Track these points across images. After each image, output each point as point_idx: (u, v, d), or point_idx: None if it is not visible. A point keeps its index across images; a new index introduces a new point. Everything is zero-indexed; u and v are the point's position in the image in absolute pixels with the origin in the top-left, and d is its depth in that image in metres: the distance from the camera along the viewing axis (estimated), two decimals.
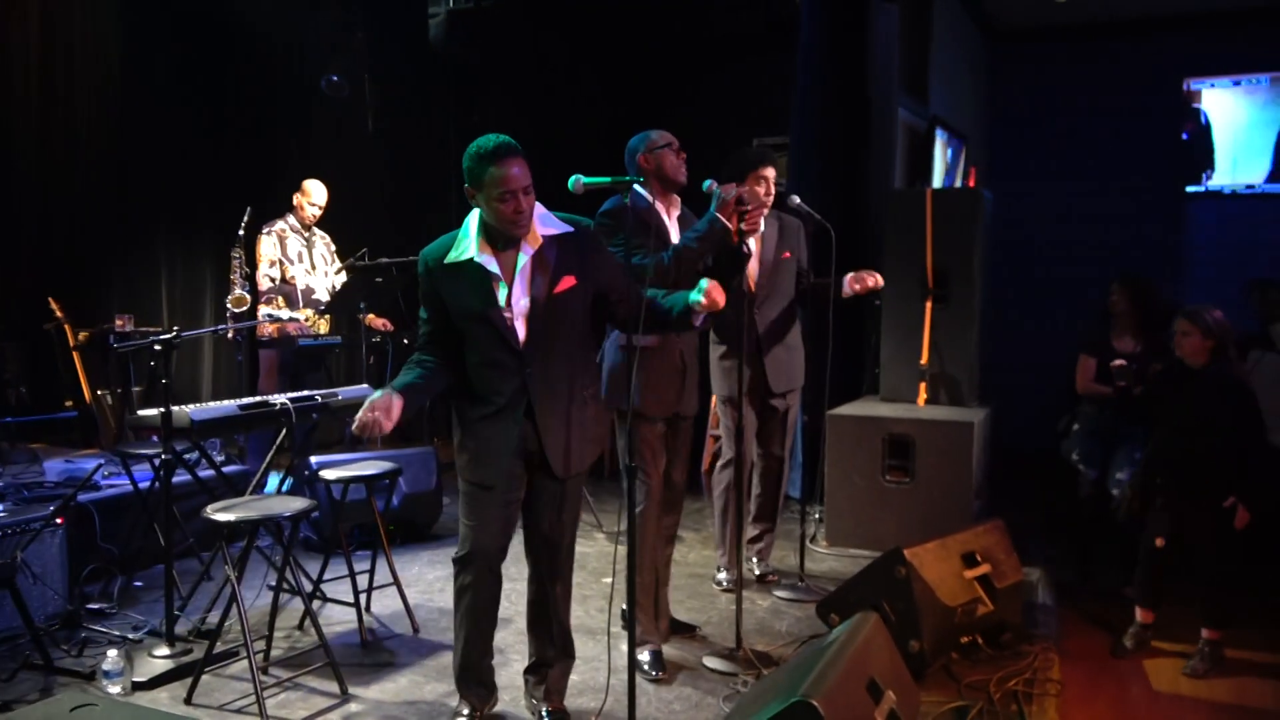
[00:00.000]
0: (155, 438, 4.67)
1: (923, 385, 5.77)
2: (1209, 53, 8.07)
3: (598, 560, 5.28)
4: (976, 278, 5.74)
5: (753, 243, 4.49)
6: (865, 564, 4.04)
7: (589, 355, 3.34)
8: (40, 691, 3.60)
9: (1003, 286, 7.74)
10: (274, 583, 3.99)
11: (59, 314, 5.95)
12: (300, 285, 6.01)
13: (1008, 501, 5.79)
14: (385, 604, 4.49)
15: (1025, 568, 4.38)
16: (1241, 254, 7.70)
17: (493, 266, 3.07)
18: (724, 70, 7.61)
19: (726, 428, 4.67)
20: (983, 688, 3.65)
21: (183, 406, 4.04)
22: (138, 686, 3.61)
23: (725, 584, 4.79)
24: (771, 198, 4.56)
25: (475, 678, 3.30)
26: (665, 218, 3.87)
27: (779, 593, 4.74)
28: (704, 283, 3.08)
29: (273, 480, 4.94)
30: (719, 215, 3.68)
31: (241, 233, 5.96)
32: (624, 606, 3.90)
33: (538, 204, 3.12)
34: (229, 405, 4.21)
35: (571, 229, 3.17)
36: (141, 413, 4.23)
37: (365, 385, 4.86)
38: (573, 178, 3.33)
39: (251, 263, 5.99)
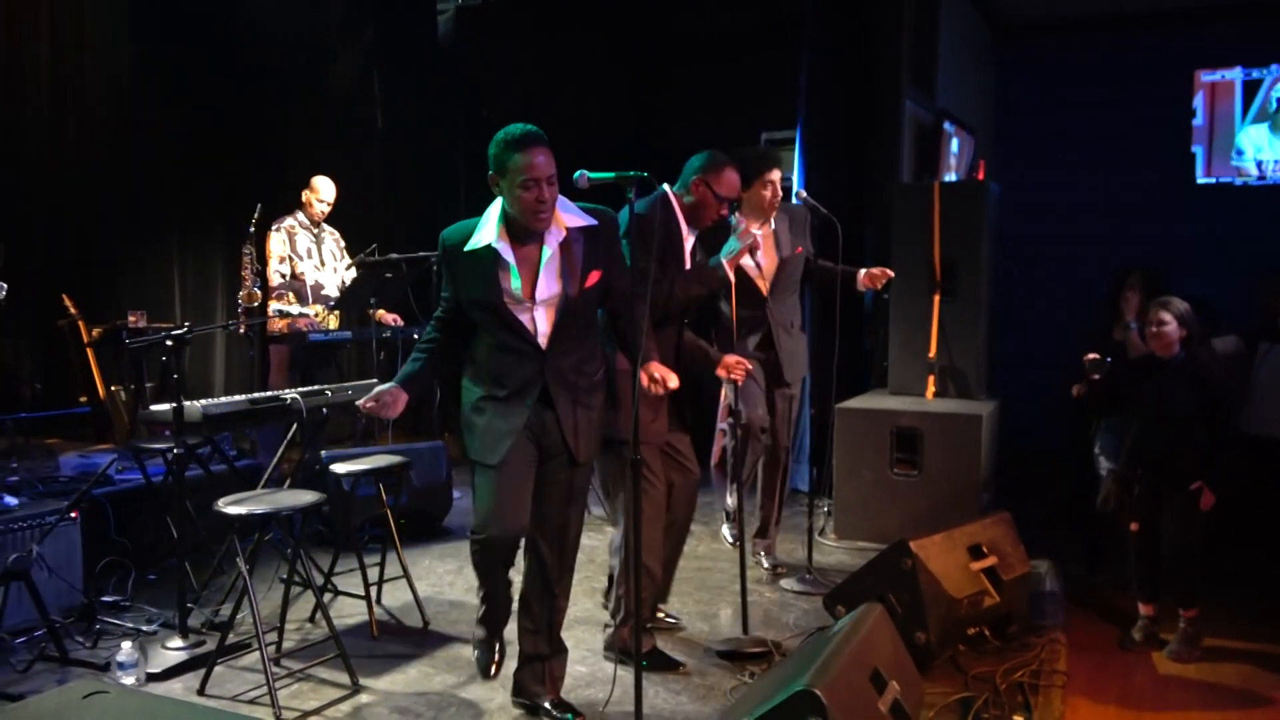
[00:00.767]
0: (168, 432, 4.72)
1: (931, 378, 5.78)
2: (1218, 44, 8.03)
3: (605, 553, 5.30)
4: (984, 271, 5.75)
5: (746, 260, 4.46)
6: (873, 557, 4.06)
7: (596, 341, 3.35)
8: (56, 683, 3.64)
9: (1011, 280, 7.73)
10: (285, 576, 4.03)
11: (72, 311, 6.01)
12: (310, 281, 6.05)
13: (1015, 494, 5.79)
14: (396, 597, 4.52)
15: (1032, 560, 4.39)
16: (1251, 246, 7.67)
17: (509, 256, 3.08)
18: (732, 65, 7.62)
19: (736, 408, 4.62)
20: (989, 679, 3.66)
21: (194, 401, 4.08)
22: (151, 678, 3.65)
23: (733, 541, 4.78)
24: (779, 198, 4.56)
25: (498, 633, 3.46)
26: (685, 236, 3.82)
27: (786, 585, 4.76)
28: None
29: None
30: (724, 263, 3.64)
31: (252, 229, 5.99)
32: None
33: (560, 194, 3.13)
34: (240, 400, 4.25)
35: (595, 221, 3.18)
36: (154, 408, 4.27)
37: (376, 380, 4.89)
38: (577, 173, 3.35)
39: (262, 259, 6.03)
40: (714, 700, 3.54)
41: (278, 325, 5.98)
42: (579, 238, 3.13)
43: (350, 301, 6.31)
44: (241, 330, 6.01)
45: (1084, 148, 8.39)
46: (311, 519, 4.92)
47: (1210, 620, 4.12)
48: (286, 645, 3.97)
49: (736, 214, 3.62)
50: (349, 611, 4.41)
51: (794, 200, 4.72)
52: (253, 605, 3.57)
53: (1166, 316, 4.10)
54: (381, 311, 6.25)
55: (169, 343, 3.92)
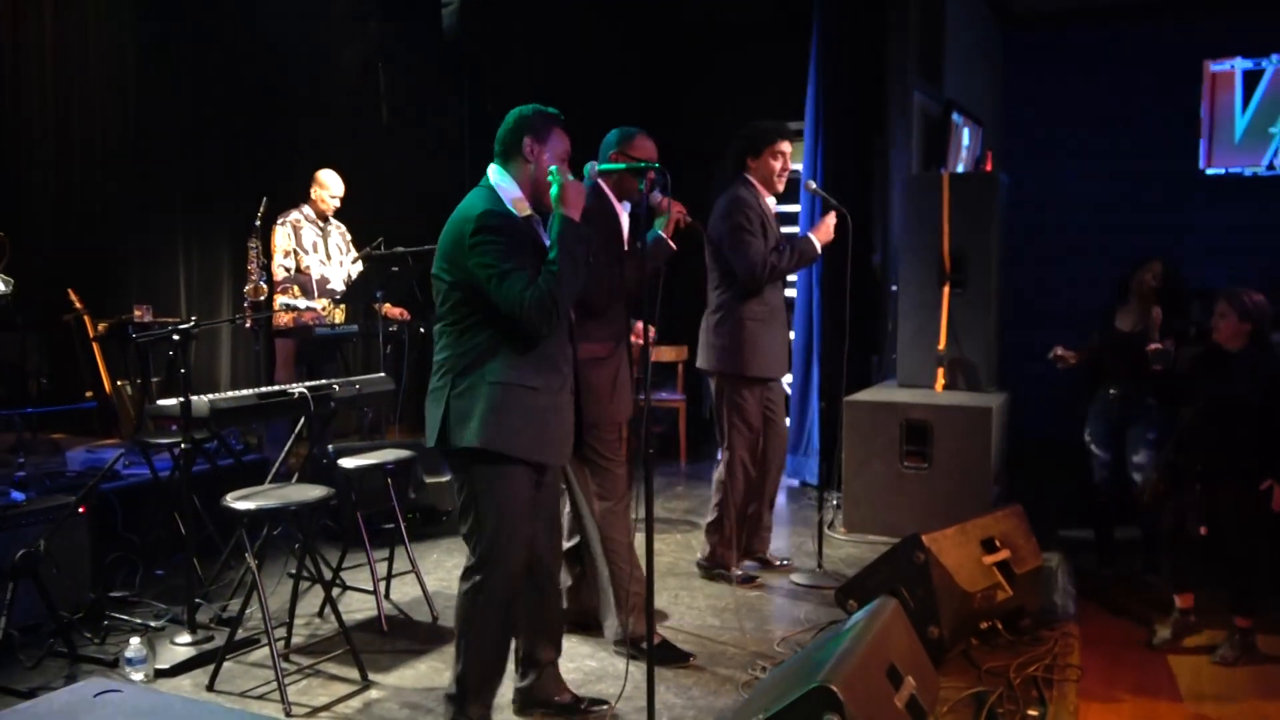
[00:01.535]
0: (174, 427, 4.70)
1: (940, 371, 5.75)
2: (1229, 34, 7.97)
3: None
4: (994, 262, 5.72)
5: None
6: (883, 550, 4.04)
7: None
8: (65, 679, 3.63)
9: (1020, 271, 7.69)
10: (294, 571, 4.01)
11: (78, 305, 5.99)
12: (315, 275, 6.02)
13: (1027, 487, 5.77)
14: (404, 591, 4.51)
15: (1045, 553, 4.36)
16: (1261, 238, 7.63)
17: (539, 229, 3.06)
18: (738, 56, 7.60)
19: (739, 408, 4.61)
20: (1002, 673, 3.64)
21: (202, 396, 4.05)
22: (160, 674, 3.64)
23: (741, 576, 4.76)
24: (788, 170, 4.58)
25: (489, 697, 3.11)
26: (620, 217, 3.81)
27: (797, 579, 4.74)
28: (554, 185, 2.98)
29: None
30: (663, 236, 3.61)
31: (258, 223, 5.97)
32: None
33: None
34: (248, 395, 4.23)
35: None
36: (161, 402, 4.25)
37: (382, 374, 4.86)
38: (587, 165, 3.33)
39: (268, 253, 6.00)
40: (726, 695, 3.52)
41: (284, 319, 5.96)
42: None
43: (356, 295, 6.29)
44: (248, 325, 5.99)
45: (1092, 138, 8.34)
46: (320, 514, 4.90)
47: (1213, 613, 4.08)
48: (295, 640, 3.96)
49: (655, 192, 3.56)
50: (358, 606, 4.40)
51: (803, 191, 4.70)
52: (261, 600, 3.55)
53: (1225, 308, 4.05)
54: (387, 306, 6.23)
55: (175, 337, 3.90)
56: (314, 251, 6.03)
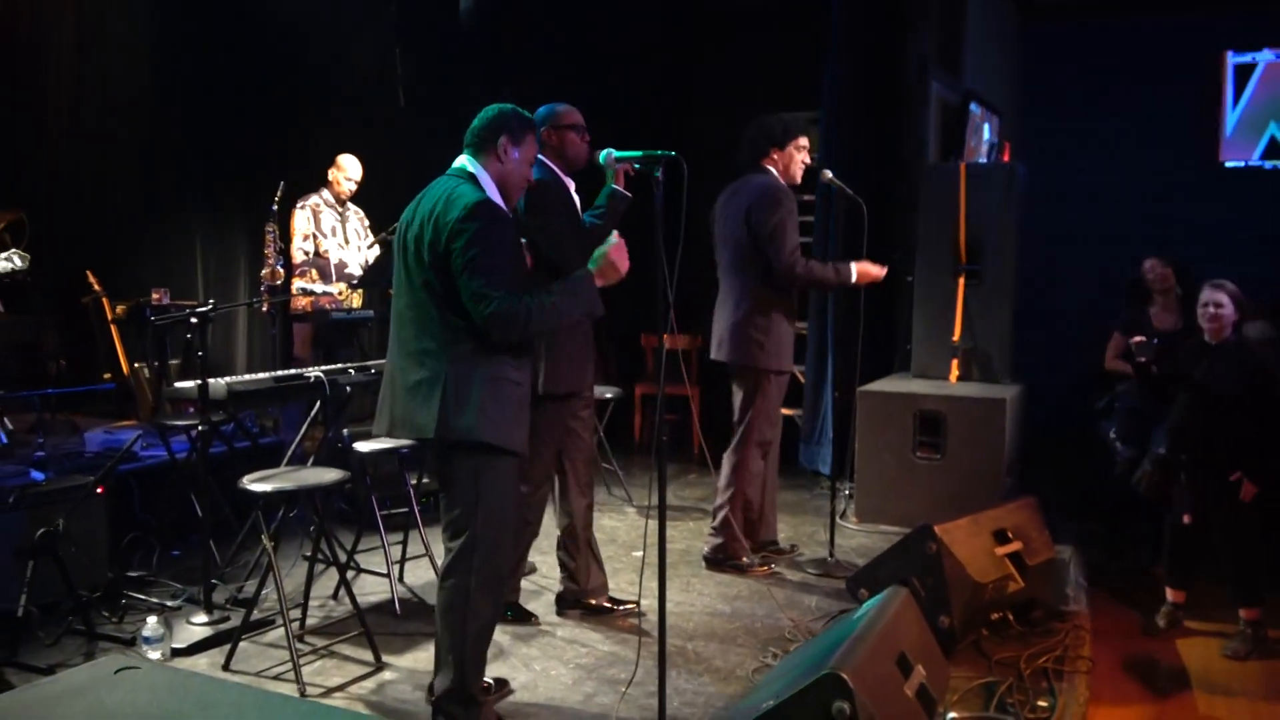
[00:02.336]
0: (191, 409, 4.75)
1: (955, 362, 5.74)
2: (1249, 25, 7.91)
3: (628, 534, 5.32)
4: (1010, 253, 5.70)
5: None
6: (895, 540, 4.04)
7: None
8: (83, 656, 3.68)
9: (1036, 262, 7.65)
10: (309, 553, 4.05)
11: (96, 287, 6.03)
12: (333, 259, 6.04)
13: (1040, 479, 5.75)
14: (418, 575, 4.54)
15: (1057, 545, 4.36)
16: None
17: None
18: (754, 42, 7.57)
19: (767, 400, 4.62)
20: (1013, 664, 3.65)
21: (220, 379, 4.08)
22: (176, 653, 3.68)
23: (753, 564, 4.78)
24: (804, 166, 4.59)
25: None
26: (569, 187, 3.86)
27: (809, 568, 4.75)
28: (597, 254, 3.04)
29: None
30: (617, 188, 3.65)
31: (275, 207, 5.99)
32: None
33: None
34: (265, 378, 4.26)
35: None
36: (179, 385, 4.29)
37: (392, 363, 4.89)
38: (604, 152, 3.34)
39: (286, 237, 6.03)
40: (736, 682, 3.54)
41: (301, 303, 5.99)
42: None
43: (372, 280, 6.31)
44: (264, 308, 6.02)
45: (1111, 130, 8.29)
46: (335, 497, 4.94)
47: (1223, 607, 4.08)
48: (310, 622, 4.00)
49: (609, 151, 3.58)
50: (371, 589, 4.43)
51: (820, 179, 4.70)
52: (277, 582, 3.59)
53: (1223, 298, 4.04)
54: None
55: (194, 320, 3.93)
56: (332, 236, 6.06)
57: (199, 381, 3.86)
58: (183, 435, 4.79)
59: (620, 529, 5.38)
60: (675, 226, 2.96)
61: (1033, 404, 6.15)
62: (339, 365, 4.56)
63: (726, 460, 4.69)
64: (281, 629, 3.64)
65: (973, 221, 5.67)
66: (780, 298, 4.56)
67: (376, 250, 6.27)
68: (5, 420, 5.04)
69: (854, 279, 4.57)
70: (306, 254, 5.98)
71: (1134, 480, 4.62)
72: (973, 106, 6.78)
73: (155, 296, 6.07)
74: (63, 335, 6.20)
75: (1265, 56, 7.92)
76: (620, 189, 3.63)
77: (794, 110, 7.02)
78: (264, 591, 3.84)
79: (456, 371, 2.91)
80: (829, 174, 4.70)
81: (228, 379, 4.14)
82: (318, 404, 4.53)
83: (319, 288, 5.89)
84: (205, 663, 3.67)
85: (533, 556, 4.31)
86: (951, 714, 3.23)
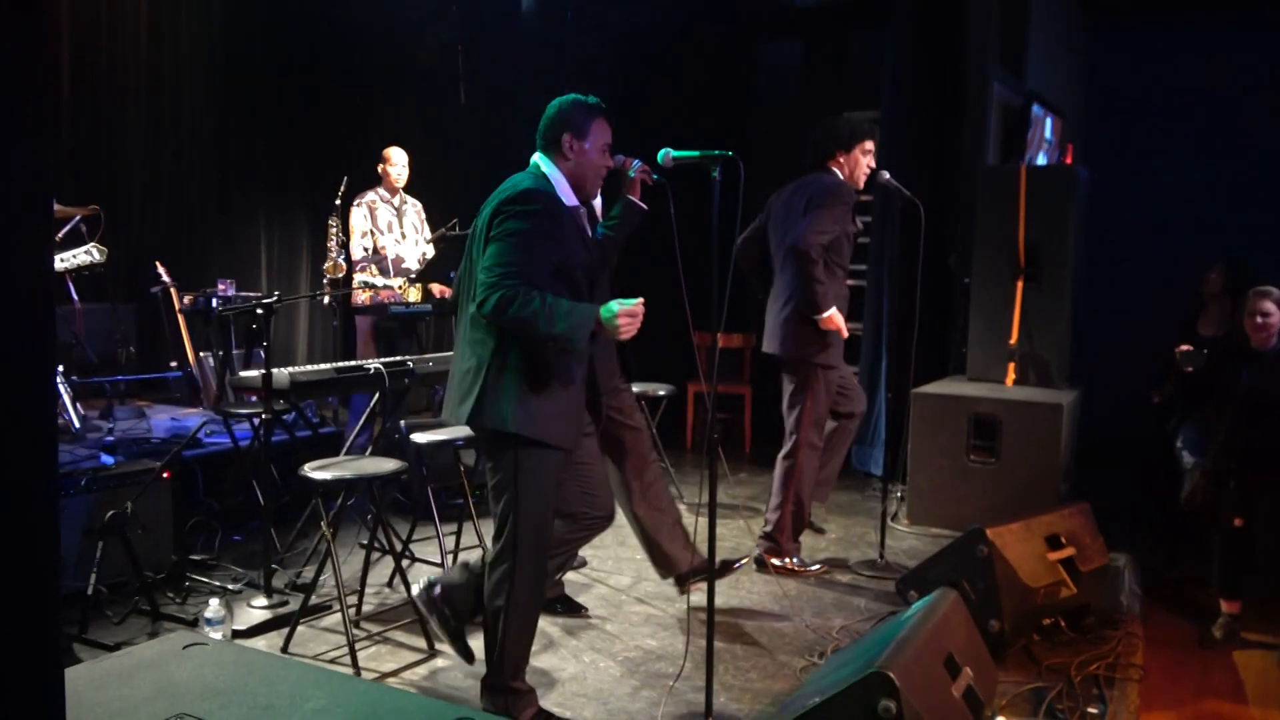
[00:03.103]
0: (254, 398, 4.87)
1: (1011, 365, 5.70)
2: None
3: None
4: (1070, 257, 5.64)
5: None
6: (946, 543, 4.03)
7: None
8: (148, 635, 3.79)
9: (1096, 266, 7.55)
10: (366, 541, 4.13)
11: (165, 278, 6.20)
12: (390, 255, 6.13)
13: (1095, 486, 5.69)
14: None
15: (1111, 552, 4.31)
16: None
17: (583, 220, 3.13)
18: (813, 42, 7.55)
19: (816, 397, 4.62)
20: (1063, 670, 3.62)
21: (282, 369, 4.19)
22: (237, 634, 3.78)
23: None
24: (869, 170, 4.58)
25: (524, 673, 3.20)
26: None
27: (858, 568, 4.75)
28: (615, 306, 2.88)
29: None
30: (632, 199, 3.59)
31: (338, 202, 6.11)
32: None
33: None
34: (326, 369, 4.36)
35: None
36: (243, 374, 4.40)
37: (454, 352, 4.96)
38: (662, 151, 3.37)
39: (347, 231, 6.14)
40: (783, 680, 3.56)
41: (361, 297, 6.10)
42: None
43: (432, 275, 6.40)
44: (326, 301, 6.14)
45: (1176, 131, 8.13)
46: (392, 486, 5.03)
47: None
48: (366, 608, 4.08)
49: (618, 155, 3.50)
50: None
51: (878, 179, 4.68)
52: (335, 568, 3.67)
53: (1270, 306, 3.98)
54: (439, 286, 6.30)
55: (259, 311, 4.03)
56: (389, 231, 6.14)
57: (263, 371, 3.97)
58: (246, 423, 4.92)
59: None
60: (731, 226, 2.98)
61: (1090, 409, 6.08)
62: (398, 358, 4.64)
63: (780, 463, 4.69)
64: (338, 614, 3.73)
65: (1033, 224, 5.61)
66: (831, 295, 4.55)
67: (431, 245, 6.33)
68: (77, 406, 5.20)
69: (824, 315, 4.44)
70: (366, 250, 6.08)
71: (1184, 496, 4.55)
72: (1035, 108, 6.71)
73: (221, 288, 6.23)
74: (133, 324, 6.39)
75: None
76: (635, 200, 3.58)
77: (856, 109, 7.03)
78: (322, 577, 3.94)
79: (498, 361, 2.94)
80: (886, 175, 4.69)
81: (290, 369, 4.24)
82: (377, 395, 4.63)
83: (380, 281, 5.99)
84: (264, 645, 3.77)
85: (586, 551, 4.35)
86: (1000, 717, 3.22)
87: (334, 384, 4.36)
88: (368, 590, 4.15)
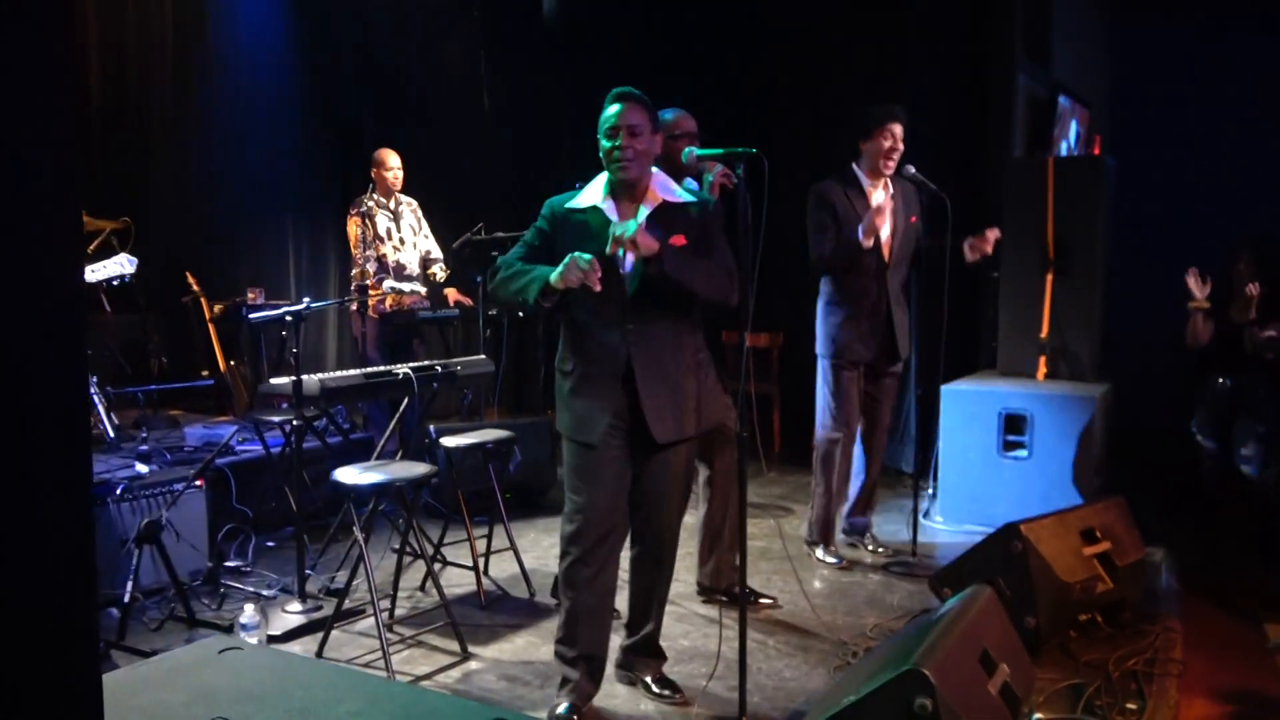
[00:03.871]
0: (285, 405, 4.89)
1: (1042, 359, 5.65)
2: None
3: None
4: (1099, 249, 5.59)
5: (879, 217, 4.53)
6: (979, 539, 3.99)
7: (695, 322, 3.29)
8: (184, 641, 3.82)
9: (1127, 258, 7.46)
10: (398, 546, 4.15)
11: (195, 288, 6.26)
12: (391, 261, 6.01)
13: (1129, 479, 5.62)
14: (502, 568, 4.62)
15: (1148, 546, 4.26)
16: None
17: (613, 215, 3.13)
18: (836, 35, 7.51)
19: (841, 393, 4.65)
20: (1101, 666, 3.58)
21: (312, 375, 4.21)
22: (272, 639, 3.81)
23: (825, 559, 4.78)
24: (897, 153, 4.56)
25: (589, 659, 3.22)
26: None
27: (892, 566, 4.73)
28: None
29: None
30: (712, 198, 3.64)
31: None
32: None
33: (661, 173, 3.20)
34: (355, 374, 4.38)
35: (694, 199, 3.22)
36: (274, 381, 4.43)
37: (482, 356, 4.97)
38: (686, 150, 3.37)
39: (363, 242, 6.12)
40: (817, 678, 3.54)
41: (389, 303, 6.10)
42: (671, 211, 3.15)
43: (457, 280, 6.41)
44: (354, 307, 6.16)
45: (1206, 120, 8.03)
46: (423, 490, 5.05)
47: None
48: (399, 612, 4.10)
49: (687, 151, 3.46)
50: (457, 581, 4.53)
51: (903, 172, 4.67)
52: (368, 573, 3.69)
53: None
54: (451, 290, 6.27)
55: (288, 318, 4.06)
56: (389, 238, 6.00)
57: (293, 378, 3.99)
58: (277, 430, 4.95)
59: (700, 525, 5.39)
60: (757, 223, 2.97)
61: (1122, 401, 6.01)
62: (427, 362, 4.66)
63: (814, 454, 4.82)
64: (371, 619, 3.75)
65: (1061, 216, 5.56)
66: (844, 290, 4.64)
67: (431, 240, 6.22)
68: (111, 415, 5.26)
69: (860, 237, 4.53)
70: (369, 258, 5.98)
71: (1256, 488, 4.48)
72: (1061, 99, 6.65)
73: (251, 296, 6.28)
74: (164, 334, 6.46)
75: None
76: (715, 199, 3.60)
77: (880, 101, 6.99)
78: (355, 582, 3.96)
79: (556, 358, 3.23)
80: (911, 168, 4.67)
81: (320, 375, 4.26)
82: (405, 400, 4.65)
83: (406, 287, 5.97)
84: (299, 649, 3.79)
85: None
86: (1037, 714, 3.19)
87: (364, 389, 4.37)
88: (400, 594, 4.17)
